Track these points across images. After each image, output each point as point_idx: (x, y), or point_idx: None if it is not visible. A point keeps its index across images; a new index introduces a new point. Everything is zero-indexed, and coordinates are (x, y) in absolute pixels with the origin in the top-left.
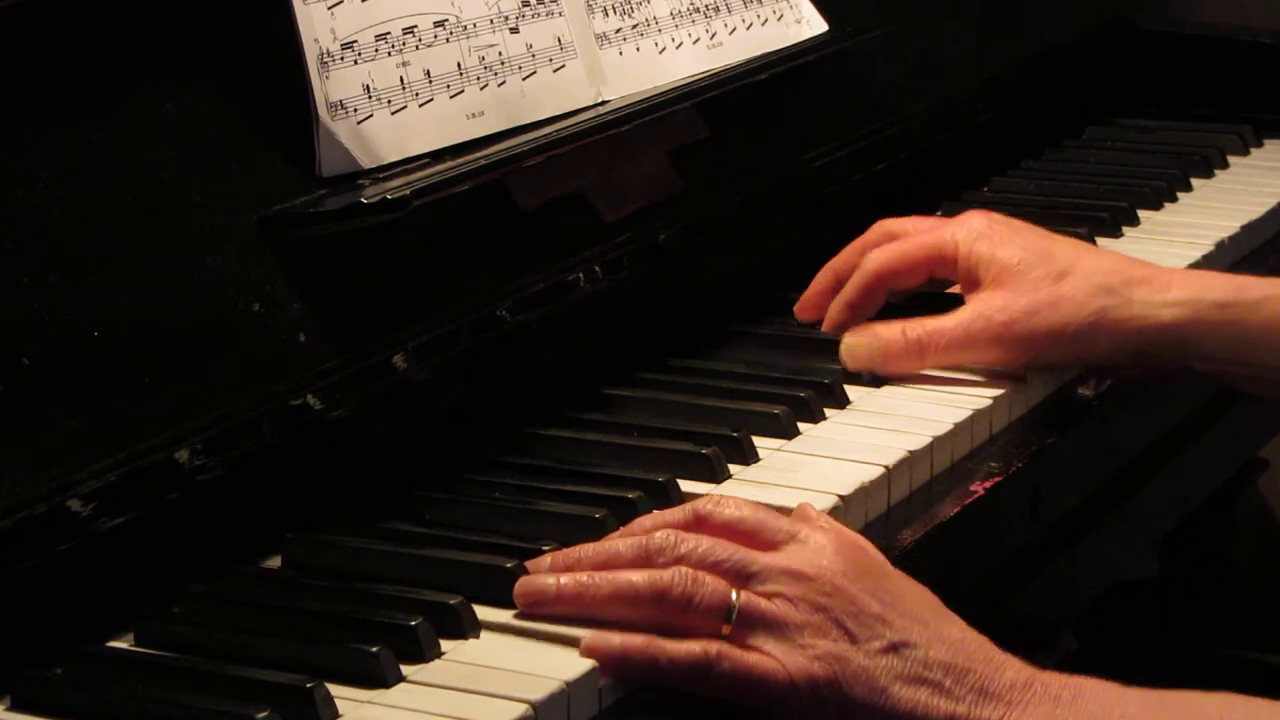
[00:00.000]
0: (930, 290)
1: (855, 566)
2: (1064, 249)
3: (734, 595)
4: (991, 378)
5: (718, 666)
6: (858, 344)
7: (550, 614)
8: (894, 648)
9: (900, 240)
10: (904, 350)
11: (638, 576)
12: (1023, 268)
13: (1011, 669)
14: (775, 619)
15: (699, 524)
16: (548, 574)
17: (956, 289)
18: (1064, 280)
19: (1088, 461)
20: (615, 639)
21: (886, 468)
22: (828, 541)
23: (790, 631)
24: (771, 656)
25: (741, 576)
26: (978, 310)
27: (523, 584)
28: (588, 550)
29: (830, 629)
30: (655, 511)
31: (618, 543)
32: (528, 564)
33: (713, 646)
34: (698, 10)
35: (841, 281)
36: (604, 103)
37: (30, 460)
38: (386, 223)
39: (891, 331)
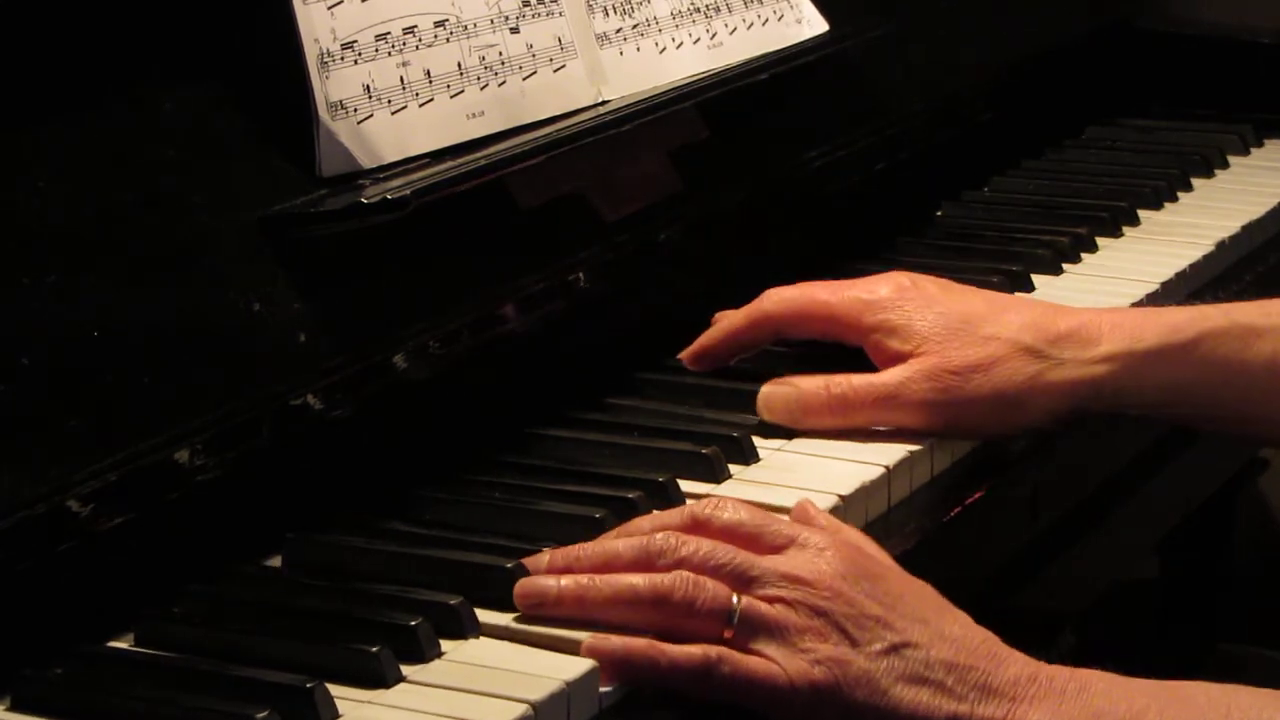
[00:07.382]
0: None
1: (855, 569)
2: (982, 309)
3: (735, 600)
4: None
5: (718, 669)
6: (775, 395)
7: (550, 615)
8: (895, 649)
9: (804, 287)
10: (825, 405)
11: (639, 580)
12: (945, 334)
13: (1016, 664)
14: (776, 624)
15: (697, 528)
16: (548, 575)
17: None
18: (991, 344)
19: (1088, 461)
20: (616, 640)
21: (886, 468)
22: (827, 544)
23: (791, 636)
24: (772, 660)
25: (742, 580)
26: (911, 371)
27: (523, 585)
28: (587, 549)
29: (831, 633)
30: (654, 513)
31: (617, 543)
32: (525, 562)
33: (713, 650)
34: (698, 10)
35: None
36: (604, 103)
37: (30, 460)
38: (386, 223)
39: (813, 384)
